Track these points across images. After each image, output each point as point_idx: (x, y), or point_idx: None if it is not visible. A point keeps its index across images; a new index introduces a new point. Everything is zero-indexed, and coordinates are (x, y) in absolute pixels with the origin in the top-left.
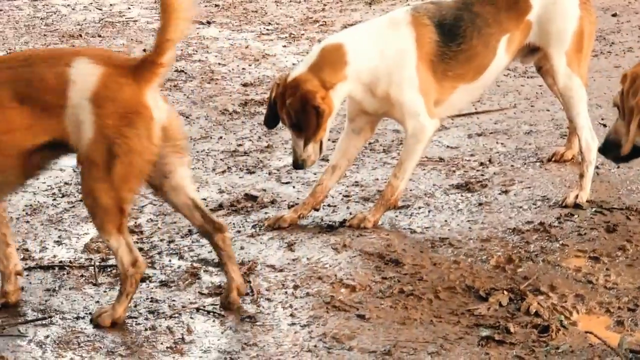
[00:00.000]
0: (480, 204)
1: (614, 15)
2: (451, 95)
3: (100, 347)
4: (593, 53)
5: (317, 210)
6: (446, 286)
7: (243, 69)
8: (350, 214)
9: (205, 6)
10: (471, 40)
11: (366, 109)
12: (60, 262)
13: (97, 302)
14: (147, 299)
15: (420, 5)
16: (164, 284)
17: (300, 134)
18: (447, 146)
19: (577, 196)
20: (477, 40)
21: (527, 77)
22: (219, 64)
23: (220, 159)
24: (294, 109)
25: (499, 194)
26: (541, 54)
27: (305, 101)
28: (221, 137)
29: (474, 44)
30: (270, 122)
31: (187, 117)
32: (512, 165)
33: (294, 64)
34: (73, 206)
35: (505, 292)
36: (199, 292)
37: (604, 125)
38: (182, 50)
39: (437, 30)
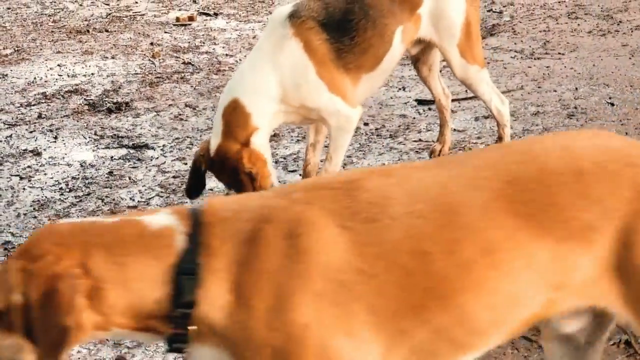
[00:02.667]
0: None
1: None
2: (357, 85)
3: (107, 340)
4: (600, 32)
5: None
6: None
7: None
8: None
9: None
10: (365, 32)
11: (292, 122)
12: None
13: None
14: None
15: (302, 6)
16: None
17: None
18: (454, 129)
19: None
20: (372, 31)
21: (534, 59)
22: (226, 55)
23: None
24: (228, 179)
25: None
26: (431, 47)
27: (235, 169)
28: None
29: (368, 36)
30: (194, 192)
31: (194, 109)
32: None
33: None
34: (80, 200)
35: None
36: None
37: (612, 105)
38: (189, 42)
39: (325, 29)
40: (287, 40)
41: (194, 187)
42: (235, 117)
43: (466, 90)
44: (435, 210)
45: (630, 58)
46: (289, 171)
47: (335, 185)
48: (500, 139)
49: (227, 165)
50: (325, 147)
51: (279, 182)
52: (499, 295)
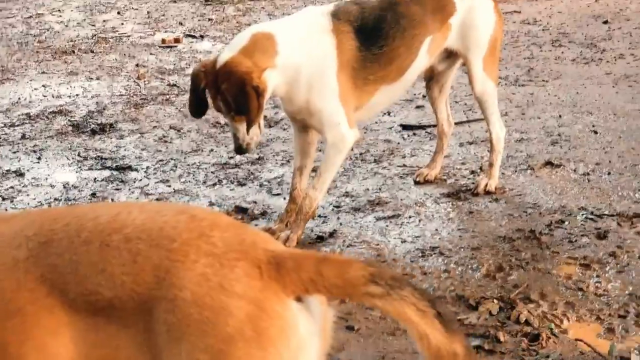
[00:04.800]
0: (470, 212)
1: (605, 22)
2: (372, 97)
3: None
4: (584, 60)
5: None
6: (436, 295)
7: None
8: (341, 224)
9: (199, 20)
10: (394, 41)
11: (286, 111)
12: None
13: None
14: None
15: (342, 7)
16: None
17: (240, 118)
18: None
19: (487, 184)
20: (400, 41)
21: (519, 86)
22: None
23: (212, 172)
24: (232, 94)
25: (490, 202)
26: (455, 59)
27: (243, 83)
28: (212, 150)
29: (396, 45)
30: (198, 111)
31: (178, 131)
32: (503, 173)
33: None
34: None
35: (496, 301)
36: None
37: (595, 132)
38: (174, 64)
39: (358, 36)
40: (326, 31)
41: (197, 106)
42: (264, 44)
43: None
44: None
45: (613, 86)
46: (273, 194)
47: None
48: (491, 165)
49: (233, 79)
50: (314, 171)
51: (263, 205)
52: None
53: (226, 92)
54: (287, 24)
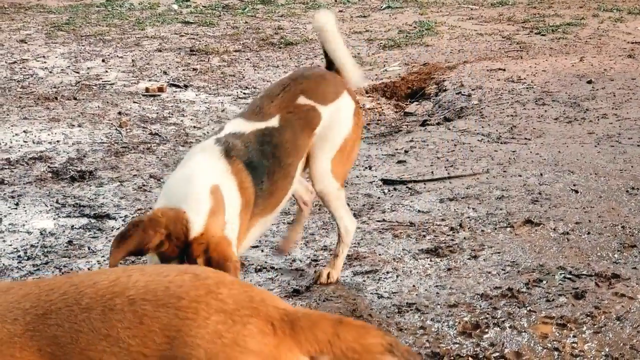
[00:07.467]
0: (449, 269)
1: (589, 82)
2: (251, 232)
3: None
4: (567, 119)
5: None
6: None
7: None
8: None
9: (184, 70)
10: (273, 175)
11: None
12: None
13: None
14: None
15: (228, 145)
16: None
17: None
18: (418, 210)
19: (329, 274)
20: (279, 174)
21: (501, 143)
22: (194, 127)
23: None
24: (213, 265)
25: (468, 259)
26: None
27: (223, 261)
28: None
29: (275, 179)
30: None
31: (158, 180)
32: (482, 230)
33: None
34: (38, 269)
35: (471, 359)
36: None
37: (576, 192)
38: (157, 113)
39: (249, 172)
40: (227, 174)
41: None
42: (219, 200)
43: (432, 172)
44: None
45: (595, 146)
46: (251, 247)
47: None
48: (335, 256)
49: (215, 258)
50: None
51: (240, 257)
52: None
53: (204, 262)
54: (206, 169)
